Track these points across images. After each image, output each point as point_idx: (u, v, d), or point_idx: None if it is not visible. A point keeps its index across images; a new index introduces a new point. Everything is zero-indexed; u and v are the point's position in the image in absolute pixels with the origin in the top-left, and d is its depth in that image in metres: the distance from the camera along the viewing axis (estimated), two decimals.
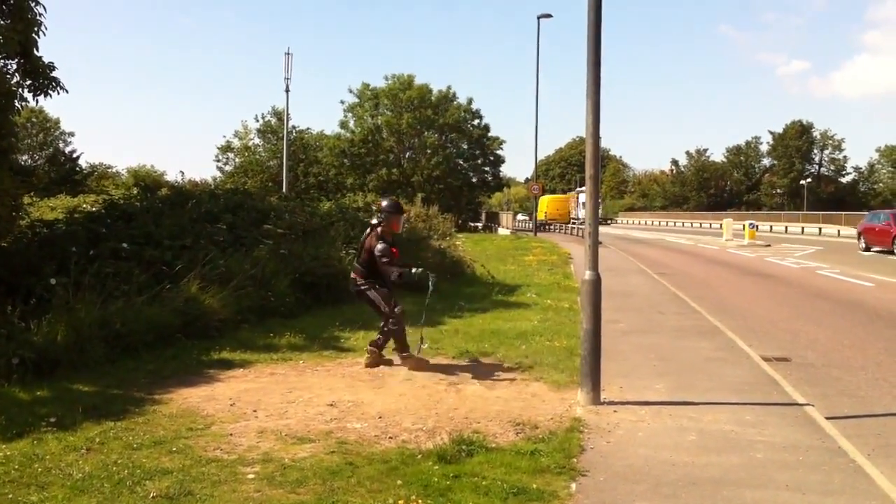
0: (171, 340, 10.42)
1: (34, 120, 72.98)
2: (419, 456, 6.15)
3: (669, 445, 6.63)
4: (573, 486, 5.65)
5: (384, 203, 10.23)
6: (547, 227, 69.15)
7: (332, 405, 7.85)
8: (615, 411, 7.67)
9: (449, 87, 70.75)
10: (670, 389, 8.63)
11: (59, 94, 14.17)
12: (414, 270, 9.88)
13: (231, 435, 6.75)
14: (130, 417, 7.18)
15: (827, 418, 7.55)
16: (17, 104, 12.86)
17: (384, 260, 9.64)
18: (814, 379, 9.63)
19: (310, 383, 8.78)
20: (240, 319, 11.82)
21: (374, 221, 10.07)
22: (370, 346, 9.97)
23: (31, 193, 24.54)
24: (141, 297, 10.75)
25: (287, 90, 47.11)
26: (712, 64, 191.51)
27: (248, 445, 6.47)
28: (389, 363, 9.90)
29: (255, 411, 7.57)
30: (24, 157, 67.86)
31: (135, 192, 17.57)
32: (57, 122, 76.94)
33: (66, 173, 65.88)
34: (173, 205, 15.73)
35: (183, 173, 66.79)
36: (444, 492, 5.33)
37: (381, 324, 10.02)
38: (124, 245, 12.38)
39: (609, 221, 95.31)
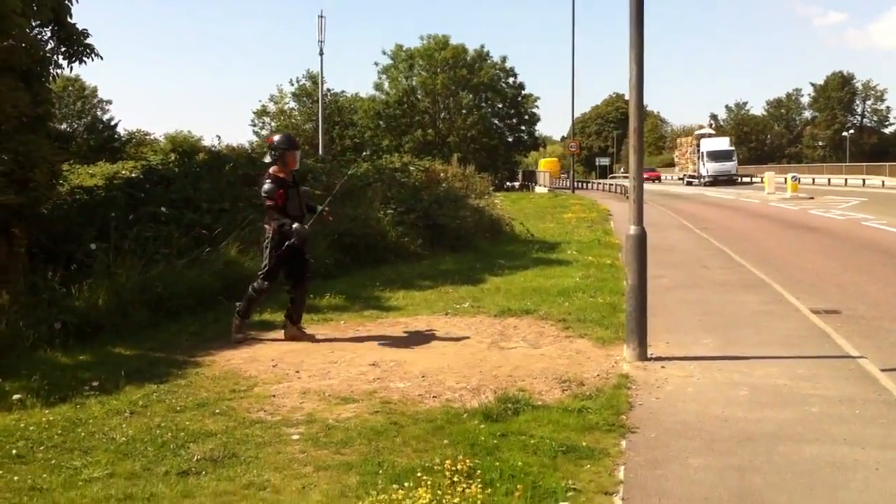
0: (212, 303, 10.41)
1: (71, 88, 73.41)
2: (464, 415, 6.05)
3: (721, 401, 6.47)
4: (623, 443, 5.51)
5: (276, 138, 9.31)
6: (585, 184, 68.50)
7: (374, 365, 7.77)
8: (663, 367, 7.50)
9: (483, 47, 70.13)
10: (718, 344, 8.44)
11: (93, 60, 14.10)
12: (295, 226, 8.65)
13: (274, 396, 6.70)
14: (173, 380, 7.16)
15: (882, 370, 7.32)
16: (52, 71, 12.87)
17: (267, 203, 8.73)
18: (865, 331, 9.37)
19: (353, 344, 8.71)
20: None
21: (268, 160, 9.21)
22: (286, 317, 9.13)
23: (71, 161, 24.71)
24: (181, 260, 10.75)
25: (321, 53, 46.82)
26: (748, 16, 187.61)
27: (291, 406, 6.41)
28: (312, 337, 8.98)
29: (297, 372, 7.52)
30: (63, 125, 68.37)
31: (172, 157, 17.54)
32: (94, 90, 77.46)
33: (104, 141, 66.26)
34: (211, 169, 15.70)
35: (219, 137, 66.98)
36: (491, 450, 5.22)
37: (287, 288, 9.23)
38: (163, 209, 12.36)
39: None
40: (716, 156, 61.82)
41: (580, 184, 67.37)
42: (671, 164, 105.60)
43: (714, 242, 18.42)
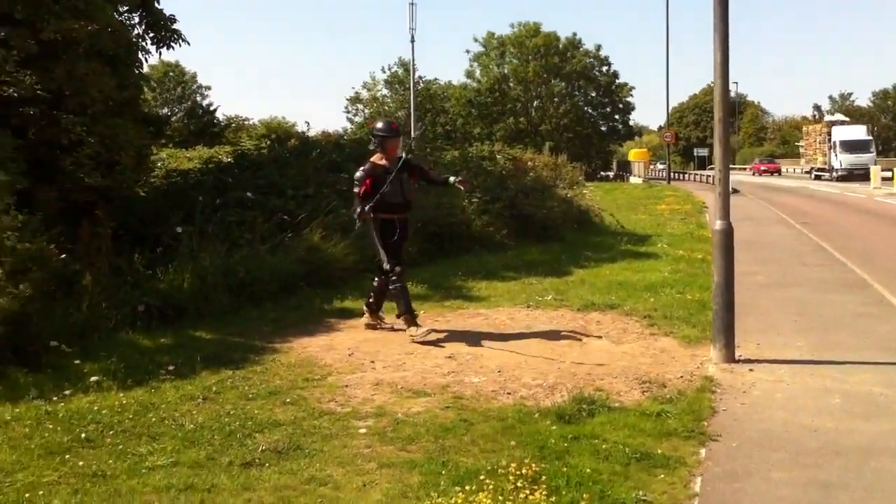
0: (294, 289, 10.44)
1: (172, 74, 75.30)
2: (536, 414, 5.84)
3: (811, 409, 6.10)
4: (702, 451, 5.22)
5: (377, 125, 8.90)
6: (682, 175, 66.94)
7: (450, 357, 7.63)
8: (751, 370, 7.14)
9: (575, 34, 69.19)
10: (812, 347, 8.00)
11: (179, 46, 14.37)
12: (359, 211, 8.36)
13: (346, 386, 6.62)
14: (249, 367, 7.16)
15: None
16: (140, 56, 13.11)
17: (354, 189, 8.49)
18: None
19: (431, 334, 8.56)
20: (362, 269, 11.73)
21: (371, 147, 8.84)
22: (365, 306, 8.94)
23: (170, 144, 25.38)
24: (264, 245, 10.81)
25: (412, 40, 46.86)
26: (853, 4, 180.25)
27: (362, 398, 6.32)
28: (389, 327, 8.83)
29: (372, 362, 7.44)
30: (164, 110, 70.30)
31: (263, 142, 17.74)
32: (194, 76, 79.10)
33: (203, 126, 67.98)
34: (298, 155, 15.81)
35: (308, 123, 67.85)
36: (560, 454, 5.01)
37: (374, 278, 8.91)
38: (249, 194, 12.48)
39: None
40: (850, 146, 54.06)
41: (677, 174, 65.81)
42: (772, 156, 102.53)
43: (814, 238, 17.66)
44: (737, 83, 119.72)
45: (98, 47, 11.03)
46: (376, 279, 8.80)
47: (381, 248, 8.51)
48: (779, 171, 74.22)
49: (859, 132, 57.01)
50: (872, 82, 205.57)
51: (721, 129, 7.63)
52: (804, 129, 68.62)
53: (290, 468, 4.81)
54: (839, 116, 68.16)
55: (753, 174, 73.49)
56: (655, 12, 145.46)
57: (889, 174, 42.49)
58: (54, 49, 10.46)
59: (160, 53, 13.68)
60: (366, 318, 8.91)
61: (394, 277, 8.40)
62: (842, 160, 53.67)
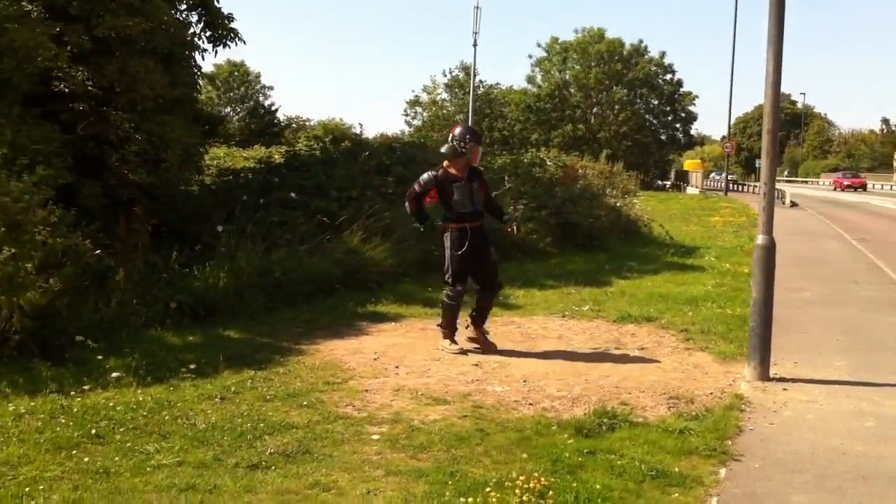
0: (330, 291, 10.46)
1: (236, 73, 76.34)
2: (555, 427, 5.72)
3: (842, 431, 5.87)
4: (722, 471, 5.05)
5: (457, 130, 8.35)
6: (741, 186, 65.67)
7: (476, 365, 7.55)
8: (784, 389, 6.91)
9: (641, 41, 68.48)
10: (852, 368, 7.73)
11: (236, 44, 14.52)
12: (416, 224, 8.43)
13: (367, 391, 6.57)
14: (272, 367, 7.15)
15: None
16: (196, 55, 13.27)
17: (413, 188, 8.27)
18: None
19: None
20: (400, 273, 11.74)
21: (451, 154, 8.25)
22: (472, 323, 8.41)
23: (230, 143, 25.70)
24: (303, 246, 10.84)
25: (475, 44, 46.73)
26: None
27: (380, 403, 6.26)
28: (492, 346, 8.25)
29: (396, 367, 7.38)
30: (227, 109, 71.28)
31: (318, 144, 17.83)
32: (258, 75, 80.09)
33: (264, 125, 68.75)
34: (348, 156, 15.86)
35: (361, 125, 68.14)
36: (573, 469, 4.89)
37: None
38: (293, 195, 12.55)
39: None
40: None
41: (735, 186, 64.62)
42: (836, 170, 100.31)
43: (869, 256, 17.14)
44: (804, 94, 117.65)
45: (153, 45, 11.20)
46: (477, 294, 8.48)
47: (450, 259, 8.16)
48: (864, 187, 67.41)
49: None
50: None
51: (770, 140, 7.38)
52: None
53: (296, 472, 4.76)
54: None
55: (836, 189, 66.79)
56: (722, 20, 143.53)
57: None
58: (108, 46, 10.64)
59: (216, 52, 13.80)
60: (469, 332, 8.38)
61: (450, 293, 8.18)
62: None
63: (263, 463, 4.88)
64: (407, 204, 8.42)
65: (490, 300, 8.45)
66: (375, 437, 5.48)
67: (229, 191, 13.28)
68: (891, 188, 65.63)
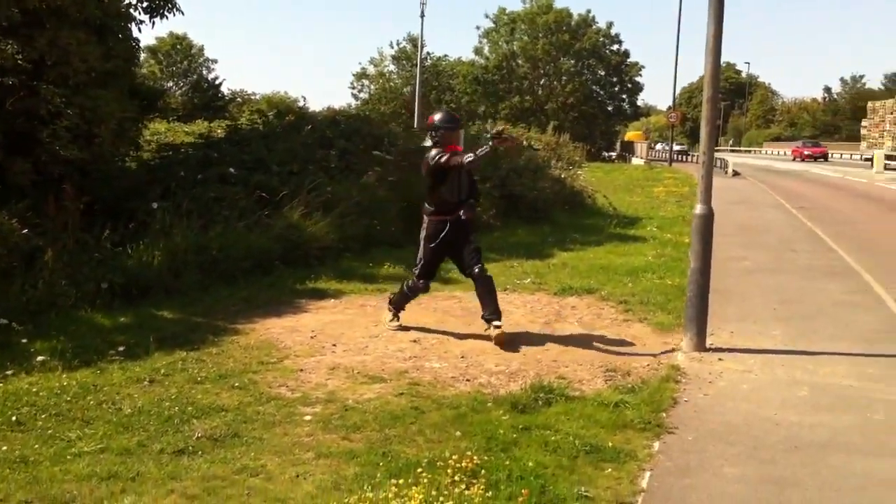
0: (269, 268, 10.25)
1: (179, 47, 74.88)
2: (491, 403, 5.68)
3: (776, 401, 5.94)
4: (656, 444, 5.07)
5: (436, 116, 7.77)
6: (685, 157, 66.19)
7: (415, 341, 7.47)
8: (720, 359, 6.97)
9: (588, 11, 68.48)
10: (788, 336, 7.82)
11: (174, 15, 14.08)
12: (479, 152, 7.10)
13: (302, 371, 6.46)
14: (205, 348, 6.98)
15: None
16: (133, 27, 12.87)
17: (444, 159, 7.27)
18: None
19: (400, 317, 8.40)
20: (342, 248, 11.58)
21: (428, 143, 7.85)
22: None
23: (172, 118, 25.19)
24: (241, 222, 10.63)
25: (422, 15, 46.69)
26: None
27: (315, 383, 6.16)
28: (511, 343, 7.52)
29: (334, 345, 7.27)
30: (169, 83, 69.97)
31: (261, 118, 17.51)
32: (201, 49, 78.63)
33: (208, 100, 67.57)
34: (290, 130, 15.60)
35: (305, 98, 67.32)
36: (507, 446, 4.85)
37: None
38: (232, 170, 12.30)
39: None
40: None
41: (680, 156, 65.15)
42: (778, 139, 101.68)
43: (807, 223, 17.41)
44: (748, 63, 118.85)
45: (85, 16, 10.79)
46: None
47: (422, 249, 7.77)
48: (825, 157, 63.01)
49: None
50: (885, 64, 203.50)
51: (709, 109, 7.38)
52: (870, 105, 54.60)
53: (224, 457, 4.65)
54: None
55: (795, 159, 63.58)
56: None
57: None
58: (38, 18, 10.25)
59: (153, 23, 13.36)
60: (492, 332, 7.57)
61: (411, 284, 7.90)
62: None
63: (190, 448, 4.75)
64: (458, 163, 7.26)
65: (483, 292, 7.61)
66: (308, 417, 5.38)
67: (167, 167, 12.96)
68: (850, 157, 61.21)
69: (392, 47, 71.66)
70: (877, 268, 11.58)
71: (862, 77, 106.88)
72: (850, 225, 17.96)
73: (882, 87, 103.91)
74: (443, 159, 7.30)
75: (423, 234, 7.80)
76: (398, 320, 8.05)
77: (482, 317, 7.65)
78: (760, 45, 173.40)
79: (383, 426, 5.21)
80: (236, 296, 9.10)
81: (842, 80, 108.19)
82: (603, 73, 70.31)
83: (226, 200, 11.25)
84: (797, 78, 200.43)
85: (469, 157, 7.10)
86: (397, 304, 8.07)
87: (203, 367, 6.40)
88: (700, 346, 7.21)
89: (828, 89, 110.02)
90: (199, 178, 12.00)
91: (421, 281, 7.85)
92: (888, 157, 44.01)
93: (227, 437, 4.95)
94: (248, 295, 9.15)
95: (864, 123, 53.66)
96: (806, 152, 63.45)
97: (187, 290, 9.06)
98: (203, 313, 8.28)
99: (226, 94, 61.86)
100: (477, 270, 7.60)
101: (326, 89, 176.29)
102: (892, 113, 47.59)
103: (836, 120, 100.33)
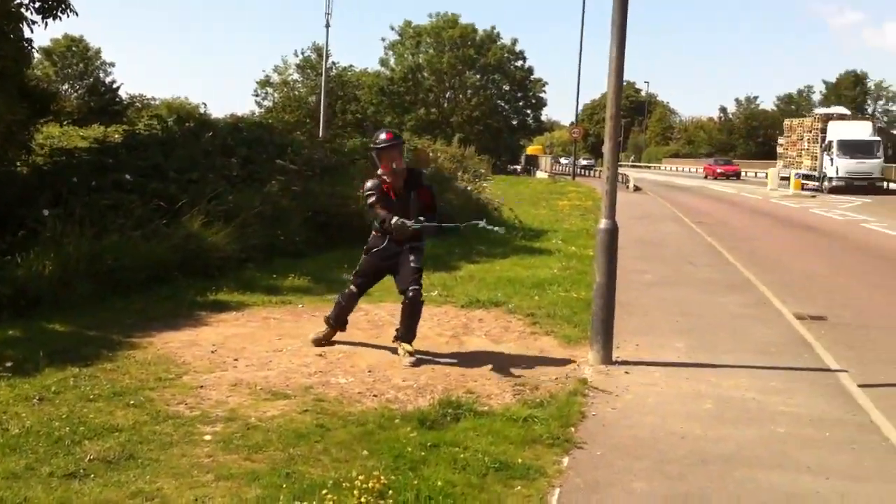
0: (167, 279, 9.91)
1: (74, 49, 72.61)
2: (398, 420, 5.54)
3: (682, 414, 5.97)
4: (565, 460, 5.01)
5: (379, 136, 7.61)
6: (588, 171, 67.43)
7: (321, 355, 7.28)
8: (626, 372, 7.00)
9: (493, 27, 69.55)
10: (691, 349, 7.93)
11: (68, 16, 13.62)
12: (394, 221, 7.01)
13: (202, 387, 6.19)
14: (99, 363, 6.64)
15: (860, 386, 6.81)
16: (24, 27, 12.31)
17: (370, 201, 7.32)
18: (850, 341, 8.83)
19: (303, 330, 8.18)
20: (244, 258, 11.27)
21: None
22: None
23: (66, 122, 24.21)
24: (137, 231, 10.22)
25: (327, 25, 46.40)
26: (764, 10, 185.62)
27: (216, 400, 5.90)
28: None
29: (235, 360, 7.01)
30: (64, 86, 67.76)
31: (160, 123, 16.99)
32: (98, 51, 76.43)
33: (105, 103, 65.70)
34: (190, 136, 15.19)
35: (206, 104, 66.34)
36: (415, 465, 4.71)
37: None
38: (127, 177, 11.85)
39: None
40: (851, 148, 40.16)
41: (583, 171, 66.37)
42: (677, 156, 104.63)
43: (706, 238, 17.86)
44: (647, 82, 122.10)
45: None
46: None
47: (363, 257, 7.63)
48: (738, 175, 62.78)
49: (862, 130, 43.18)
50: (778, 87, 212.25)
51: (612, 126, 7.45)
52: (786, 123, 52.94)
53: (118, 480, 4.38)
54: (838, 109, 52.87)
55: (706, 177, 63.16)
56: (573, 9, 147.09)
57: (787, 175, 43.39)
58: None
59: (46, 24, 12.83)
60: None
61: (345, 290, 7.74)
62: (839, 166, 40.29)
63: (82, 471, 4.46)
64: (375, 216, 7.40)
65: (407, 312, 7.40)
66: (208, 437, 5.14)
67: (60, 172, 12.40)
68: (765, 176, 55.33)
69: (297, 56, 71.10)
70: (773, 282, 11.92)
71: (756, 98, 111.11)
72: (747, 240, 18.53)
73: (775, 108, 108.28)
74: (369, 201, 7.32)
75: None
76: (327, 339, 7.67)
77: (395, 333, 7.52)
78: (659, 65, 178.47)
79: (287, 445, 5.01)
80: (132, 308, 8.74)
81: (737, 100, 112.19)
82: (507, 88, 71.40)
83: (121, 208, 10.82)
84: (694, 97, 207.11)
85: (392, 220, 7.02)
86: (334, 319, 7.72)
87: (96, 384, 6.06)
88: (606, 359, 7.23)
89: (723, 109, 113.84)
90: (93, 184, 11.52)
91: (353, 288, 7.67)
92: (805, 177, 42.94)
93: (121, 458, 4.67)
94: (145, 307, 8.81)
95: (780, 141, 52.16)
96: (719, 170, 63.08)
97: (80, 302, 8.67)
98: (97, 326, 7.90)
99: (124, 98, 59.83)
100: (411, 293, 7.34)
101: (229, 96, 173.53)
102: (810, 131, 45.71)
103: (732, 139, 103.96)
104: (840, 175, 40.32)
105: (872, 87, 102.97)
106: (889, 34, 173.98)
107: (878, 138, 43.54)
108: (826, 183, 41.17)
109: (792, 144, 48.64)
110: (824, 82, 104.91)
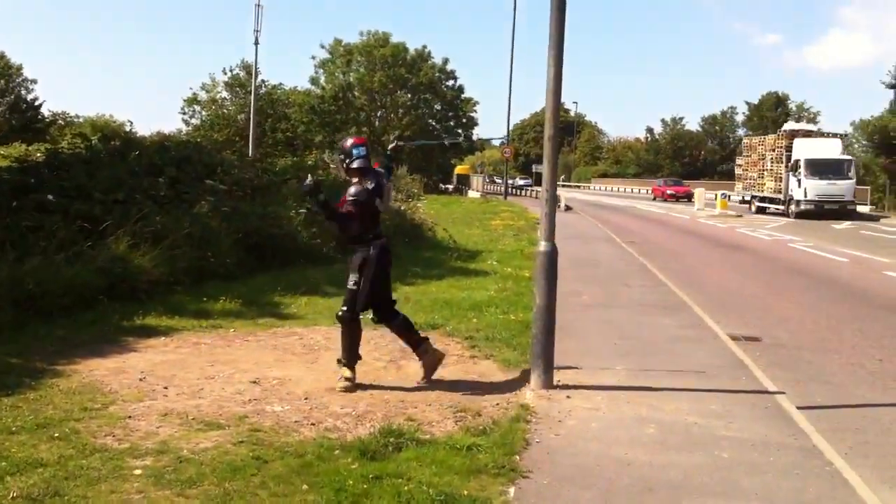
0: (92, 303, 9.55)
1: None
2: (338, 450, 5.34)
3: (625, 440, 5.89)
4: (511, 491, 4.88)
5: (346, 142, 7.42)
6: (520, 191, 67.92)
7: (255, 382, 7.04)
8: (568, 397, 6.92)
9: (425, 47, 69.69)
10: (631, 372, 7.90)
11: None
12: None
13: (130, 418, 5.92)
14: (20, 393, 6.32)
15: (799, 408, 6.85)
16: None
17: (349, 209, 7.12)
18: (785, 362, 8.93)
19: (236, 356, 7.95)
20: (173, 281, 10.94)
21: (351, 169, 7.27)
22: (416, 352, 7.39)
23: None
24: (61, 254, 9.83)
25: (256, 43, 45.82)
26: (688, 34, 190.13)
27: (145, 431, 5.64)
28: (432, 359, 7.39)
29: (165, 388, 6.74)
30: None
31: (84, 142, 16.48)
32: (19, 68, 74.38)
33: (26, 121, 63.96)
34: (114, 156, 14.75)
35: (132, 122, 65.11)
36: (357, 499, 4.53)
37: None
38: (50, 197, 11.42)
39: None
40: (821, 168, 36.49)
41: (514, 190, 66.85)
42: (605, 175, 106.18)
43: (638, 258, 18.03)
44: (576, 103, 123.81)
45: None
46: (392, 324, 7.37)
47: (372, 279, 7.15)
48: (689, 197, 54.98)
49: (832, 148, 39.17)
50: (702, 107, 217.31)
51: (550, 147, 7.35)
52: (745, 141, 48.48)
53: None
54: (804, 125, 49.86)
55: (656, 198, 59.85)
56: (502, 29, 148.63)
57: (712, 196, 44.25)
58: None
59: None
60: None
61: (346, 313, 7.12)
62: (808, 188, 36.52)
63: None
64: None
65: (398, 334, 7.43)
66: (138, 471, 4.87)
67: None
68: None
69: (225, 73, 70.19)
70: (707, 302, 12.04)
71: (682, 119, 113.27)
72: (678, 259, 18.77)
73: (699, 129, 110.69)
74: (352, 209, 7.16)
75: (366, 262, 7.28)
76: (350, 378, 7.08)
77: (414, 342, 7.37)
78: (587, 86, 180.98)
79: (222, 479, 4.77)
80: (55, 334, 8.40)
81: (662, 121, 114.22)
82: (439, 108, 71.49)
83: (43, 230, 10.43)
84: (621, 117, 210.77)
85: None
86: (346, 354, 7.16)
87: (19, 415, 5.75)
88: (548, 383, 7.14)
89: (650, 129, 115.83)
90: (13, 205, 11.07)
91: (348, 313, 7.16)
92: (768, 201, 41.02)
93: (46, 495, 4.39)
94: (68, 333, 8.47)
95: (738, 162, 48.04)
96: (668, 191, 58.85)
97: (0, 328, 8.25)
98: (18, 353, 7.55)
99: (47, 115, 58.77)
100: (339, 313, 7.18)
101: (156, 114, 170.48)
102: (773, 150, 41.48)
103: (658, 159, 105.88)
104: (809, 198, 36.47)
105: (794, 109, 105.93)
106: (808, 57, 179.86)
107: (850, 157, 40.24)
108: (793, 207, 37.36)
109: (752, 164, 44.44)
110: (747, 103, 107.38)
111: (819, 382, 8.14)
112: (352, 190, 7.13)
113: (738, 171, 47.75)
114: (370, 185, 7.17)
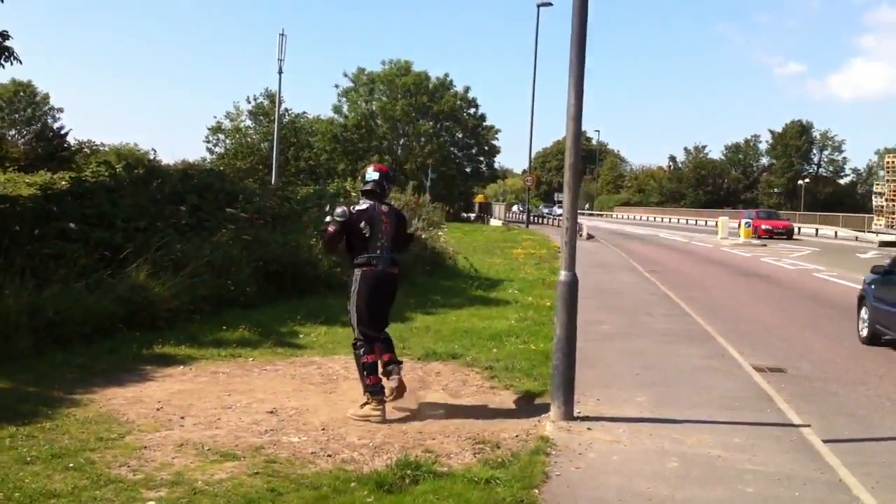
0: (111, 332, 9.55)
1: (22, 94, 71.69)
2: (354, 483, 5.26)
3: (647, 473, 5.77)
4: None
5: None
6: (541, 219, 67.81)
7: (272, 412, 6.98)
8: (589, 429, 6.80)
9: (446, 75, 70.03)
10: (653, 403, 7.76)
11: (12, 64, 13.49)
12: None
13: (146, 448, 5.87)
14: (37, 422, 6.30)
15: (825, 441, 6.70)
16: None
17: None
18: (810, 394, 8.76)
19: (253, 385, 7.90)
20: (192, 310, 10.92)
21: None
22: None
23: (12, 168, 23.66)
24: (81, 282, 9.85)
25: (280, 72, 46.11)
26: (711, 62, 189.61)
27: (161, 462, 5.58)
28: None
29: (182, 418, 6.69)
30: (11, 132, 66.68)
31: (108, 170, 16.60)
32: (46, 97, 75.59)
33: (53, 150, 64.68)
34: (138, 184, 14.84)
35: (155, 150, 65.78)
36: None
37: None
38: (72, 225, 11.48)
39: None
40: None
41: (536, 218, 66.78)
42: (628, 204, 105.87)
43: (661, 287, 17.87)
44: (598, 131, 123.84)
45: None
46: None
47: (366, 303, 7.10)
48: (789, 235, 44.95)
49: None
50: (725, 136, 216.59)
51: (571, 175, 7.26)
52: (888, 160, 36.90)
53: None
54: None
55: (745, 238, 41.99)
56: (525, 57, 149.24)
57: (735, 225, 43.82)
58: None
59: None
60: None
61: (359, 340, 7.16)
62: None
63: None
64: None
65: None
66: (152, 503, 4.82)
67: (1, 221, 12.00)
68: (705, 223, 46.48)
69: (249, 102, 70.78)
70: (730, 332, 11.88)
71: (705, 147, 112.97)
72: (701, 289, 18.58)
73: (723, 157, 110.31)
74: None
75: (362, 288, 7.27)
76: (380, 409, 6.96)
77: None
78: (610, 114, 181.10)
79: None
80: (73, 363, 8.39)
81: (686, 149, 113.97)
82: (461, 136, 71.71)
83: (64, 258, 10.46)
84: (644, 146, 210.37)
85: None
86: (366, 384, 7.07)
87: (34, 445, 5.72)
88: (568, 414, 7.03)
89: (673, 158, 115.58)
90: (36, 233, 11.16)
91: (361, 340, 7.21)
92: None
93: None
94: (87, 362, 8.45)
95: (877, 190, 37.28)
96: (764, 227, 44.17)
97: (18, 355, 8.31)
98: (36, 382, 7.54)
99: (72, 144, 58.81)
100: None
101: (183, 143, 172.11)
102: None
103: (681, 187, 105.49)
104: None
105: (818, 137, 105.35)
106: (832, 86, 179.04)
107: None
108: None
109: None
110: (770, 131, 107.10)
111: (845, 415, 7.97)
112: (337, 210, 7.22)
113: (876, 201, 35.95)
114: (357, 208, 7.17)
